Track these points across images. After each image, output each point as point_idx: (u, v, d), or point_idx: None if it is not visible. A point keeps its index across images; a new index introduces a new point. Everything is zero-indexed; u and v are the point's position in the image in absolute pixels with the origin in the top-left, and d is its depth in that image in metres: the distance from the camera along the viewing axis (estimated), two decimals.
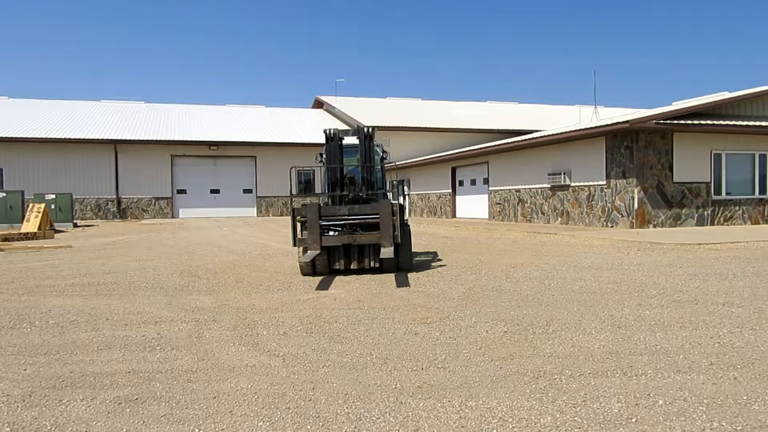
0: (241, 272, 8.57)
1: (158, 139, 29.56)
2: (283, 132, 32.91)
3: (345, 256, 8.08)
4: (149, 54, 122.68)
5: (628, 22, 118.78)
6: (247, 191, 31.34)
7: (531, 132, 26.69)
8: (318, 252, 7.61)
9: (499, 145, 21.80)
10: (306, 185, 29.54)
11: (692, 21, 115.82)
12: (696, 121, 15.14)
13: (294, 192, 19.85)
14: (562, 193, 17.94)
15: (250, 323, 5.11)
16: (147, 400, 3.24)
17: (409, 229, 8.70)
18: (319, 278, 7.79)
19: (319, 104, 41.19)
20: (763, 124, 15.78)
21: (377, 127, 23.72)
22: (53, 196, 22.20)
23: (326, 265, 8.03)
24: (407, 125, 32.47)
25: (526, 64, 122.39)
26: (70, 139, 27.96)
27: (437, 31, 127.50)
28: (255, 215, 31.04)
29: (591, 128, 16.81)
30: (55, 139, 27.72)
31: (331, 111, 38.12)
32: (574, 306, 5.54)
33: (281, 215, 30.44)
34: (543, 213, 18.95)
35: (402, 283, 7.21)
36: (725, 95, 18.29)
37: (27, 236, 15.92)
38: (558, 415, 2.89)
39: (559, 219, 18.08)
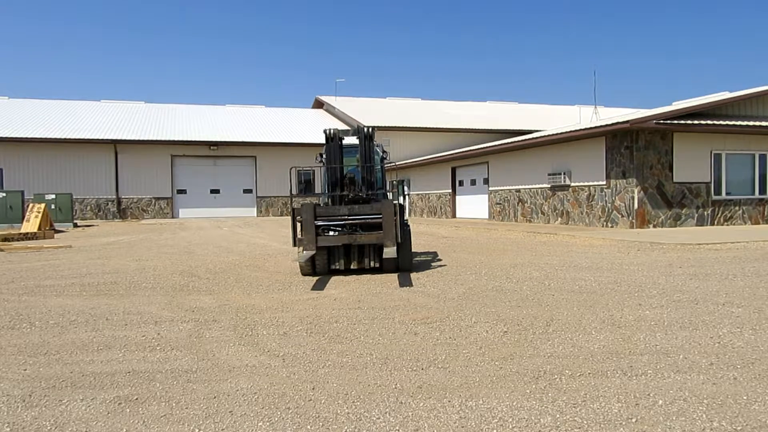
0: (241, 272, 8.57)
1: (158, 139, 29.56)
2: (283, 132, 32.91)
3: (345, 256, 8.07)
4: (149, 54, 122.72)
5: (628, 22, 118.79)
6: (247, 191, 31.35)
7: (531, 132, 26.70)
8: (313, 252, 7.61)
9: (499, 145, 21.80)
10: (306, 185, 29.53)
11: (692, 21, 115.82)
12: (696, 121, 15.14)
13: (294, 192, 19.85)
14: (562, 193, 17.94)
15: (250, 323, 5.11)
16: (147, 400, 3.24)
17: (409, 229, 8.69)
18: (319, 278, 7.79)
19: (319, 104, 41.20)
20: (763, 124, 15.78)
21: (377, 127, 23.74)
22: (53, 196, 22.20)
23: (326, 265, 8.03)
24: (407, 125, 32.48)
25: (526, 64, 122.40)
26: (70, 139, 27.96)
27: (437, 31, 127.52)
28: (255, 215, 31.04)
29: (591, 128, 16.81)
30: (55, 139, 27.73)
31: (331, 111, 38.13)
32: (574, 306, 5.54)
33: (281, 215, 30.44)
34: (543, 213, 18.95)
35: (405, 283, 7.20)
36: (725, 95, 18.28)
37: (27, 236, 15.92)
38: (558, 415, 2.89)
39: (559, 219, 18.08)
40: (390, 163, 10.39)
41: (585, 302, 5.72)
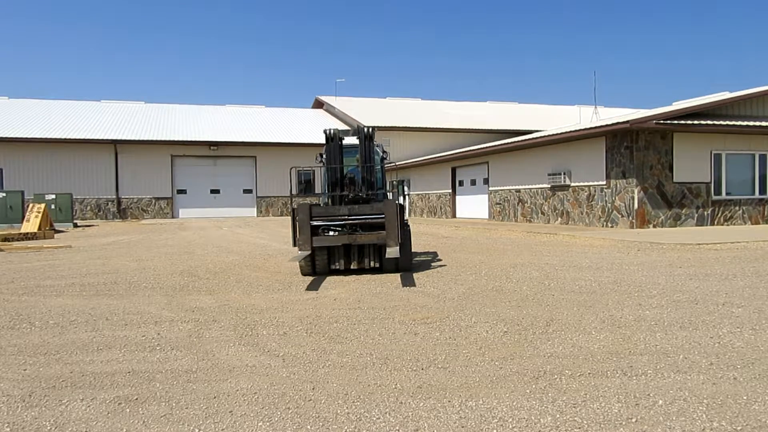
0: (241, 272, 8.57)
1: (158, 139, 29.56)
2: (283, 132, 32.91)
3: (345, 256, 8.07)
4: (149, 54, 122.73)
5: (628, 22, 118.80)
6: (247, 191, 31.35)
7: (531, 132, 26.70)
8: (308, 252, 7.61)
9: (499, 145, 21.80)
10: (306, 185, 29.54)
11: (692, 21, 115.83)
12: (696, 121, 15.14)
13: (294, 192, 19.86)
14: (562, 193, 17.94)
15: (250, 323, 5.11)
16: (147, 400, 3.24)
17: (409, 229, 8.69)
18: (319, 278, 7.79)
19: (319, 104, 41.20)
20: (763, 124, 15.78)
21: (377, 127, 23.72)
22: (53, 196, 22.20)
23: (326, 265, 8.04)
24: (407, 125, 32.49)
25: (526, 64, 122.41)
26: (70, 139, 27.96)
27: (437, 31, 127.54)
28: (255, 215, 31.04)
29: (591, 128, 16.81)
30: (55, 139, 27.73)
31: (331, 111, 38.13)
32: (574, 306, 5.54)
33: (281, 215, 30.44)
34: (543, 213, 18.95)
35: (405, 283, 7.21)
36: (725, 95, 18.28)
37: (27, 236, 15.92)
38: (558, 415, 2.89)
39: (559, 219, 18.08)
40: (390, 163, 10.39)
41: (585, 302, 5.72)
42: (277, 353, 4.15)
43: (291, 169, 9.64)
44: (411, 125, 32.57)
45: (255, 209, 31.23)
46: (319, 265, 8.01)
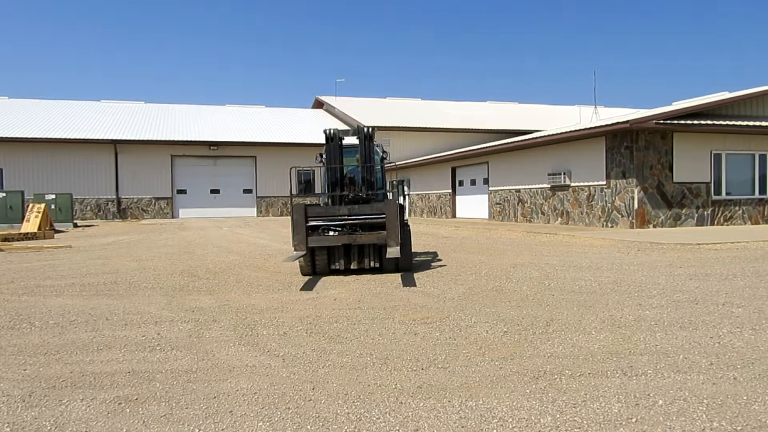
0: (241, 272, 8.57)
1: (158, 139, 29.56)
2: (283, 132, 32.91)
3: (345, 256, 8.07)
4: (149, 54, 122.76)
5: (628, 22, 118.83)
6: (247, 191, 31.35)
7: (531, 132, 26.70)
8: (303, 253, 7.61)
9: (499, 145, 21.81)
10: (306, 185, 29.52)
11: (692, 21, 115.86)
12: (696, 121, 15.14)
13: (294, 192, 19.85)
14: (562, 193, 17.94)
15: (250, 323, 5.11)
16: (147, 400, 3.24)
17: (409, 230, 8.69)
18: (319, 278, 7.79)
19: (319, 104, 41.20)
20: (763, 124, 15.78)
21: (377, 127, 23.72)
22: (53, 196, 22.20)
23: (326, 265, 8.04)
24: (407, 125, 32.49)
25: (526, 64, 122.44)
26: (70, 139, 27.96)
27: (437, 31, 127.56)
28: (255, 215, 31.04)
29: (591, 128, 16.81)
30: (55, 139, 27.73)
31: (331, 111, 38.13)
32: (574, 306, 5.54)
33: (281, 215, 30.44)
34: (543, 213, 18.95)
35: (405, 283, 7.21)
36: (725, 95, 18.29)
37: (27, 236, 15.92)
38: (558, 415, 2.89)
39: (559, 219, 18.08)
40: (390, 163, 10.38)
41: (585, 302, 5.72)
42: (277, 353, 4.15)
43: (291, 169, 9.64)
44: (411, 125, 32.57)
45: (255, 209, 31.23)
46: (319, 265, 8.01)
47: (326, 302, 6.07)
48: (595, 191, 16.49)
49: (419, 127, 32.51)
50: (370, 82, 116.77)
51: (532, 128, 30.47)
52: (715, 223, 15.88)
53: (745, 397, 3.08)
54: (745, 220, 16.26)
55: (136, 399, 3.26)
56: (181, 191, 30.36)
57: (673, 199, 15.42)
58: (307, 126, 33.77)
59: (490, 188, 22.34)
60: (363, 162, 8.47)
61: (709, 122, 15.23)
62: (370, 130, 8.55)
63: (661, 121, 14.80)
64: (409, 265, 8.30)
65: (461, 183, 25.49)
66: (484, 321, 5.01)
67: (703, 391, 3.18)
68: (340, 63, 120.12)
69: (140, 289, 7.15)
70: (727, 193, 16.11)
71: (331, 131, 8.54)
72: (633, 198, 15.07)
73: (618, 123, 15.09)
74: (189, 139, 30.07)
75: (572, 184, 17.43)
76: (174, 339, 4.61)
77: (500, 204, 21.53)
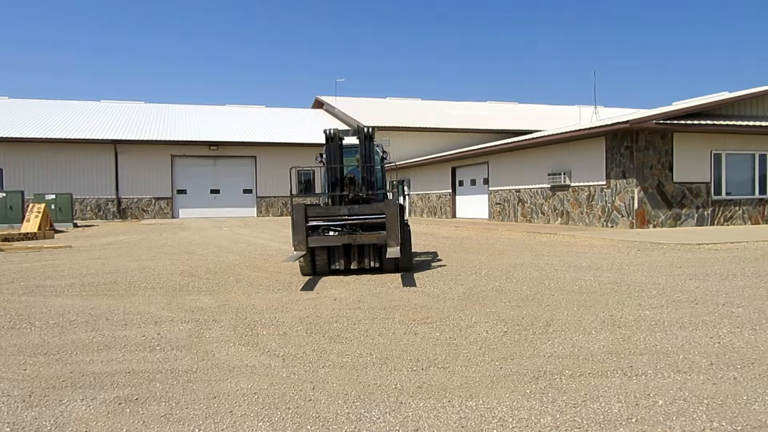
0: (241, 272, 8.57)
1: (158, 139, 29.56)
2: (283, 132, 32.91)
3: (345, 256, 8.07)
4: (149, 54, 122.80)
5: (627, 22, 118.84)
6: (247, 191, 31.35)
7: (531, 132, 26.70)
8: (304, 253, 7.61)
9: (499, 145, 21.80)
10: (306, 185, 29.51)
11: (692, 21, 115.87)
12: (696, 121, 15.14)
13: (294, 192, 19.85)
14: (562, 193, 17.94)
15: (250, 323, 5.11)
16: (147, 400, 3.24)
17: (409, 230, 8.69)
18: (319, 278, 7.79)
19: (319, 104, 41.20)
20: (763, 124, 15.78)
21: (377, 127, 23.72)
22: (53, 196, 22.20)
23: (326, 265, 8.04)
24: (407, 125, 32.48)
25: (526, 64, 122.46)
26: (70, 139, 27.96)
27: (437, 31, 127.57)
28: (255, 215, 31.04)
29: (591, 128, 16.81)
30: (55, 139, 27.73)
31: (331, 111, 38.13)
32: (574, 306, 5.54)
33: (281, 215, 30.44)
34: (543, 213, 18.95)
35: (405, 283, 7.21)
36: (725, 95, 18.29)
37: (27, 236, 15.92)
38: (558, 415, 2.89)
39: (559, 219, 18.08)
40: (390, 163, 10.38)
41: (585, 302, 5.72)
42: (277, 353, 4.15)
43: (291, 169, 9.64)
44: (411, 125, 32.56)
45: (255, 209, 31.23)
46: (319, 265, 8.01)
47: (326, 302, 6.07)
48: (595, 191, 16.49)
49: (419, 127, 32.51)
50: (370, 82, 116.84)
51: (532, 128, 30.46)
52: (715, 223, 15.88)
53: (745, 397, 3.08)
54: (745, 220, 16.26)
55: (136, 399, 3.26)
56: (181, 191, 30.36)
57: (673, 199, 15.42)
58: (307, 126, 33.77)
59: (490, 188, 22.34)
60: (363, 162, 8.46)
61: (709, 122, 15.23)
62: (370, 130, 8.55)
63: (661, 121, 14.80)
64: (409, 265, 8.30)
65: (461, 183, 25.49)
66: (484, 321, 5.01)
67: (703, 391, 3.18)
68: (340, 63, 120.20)
69: (140, 289, 7.15)
70: (727, 193, 16.11)
71: (331, 131, 8.54)
72: (633, 198, 15.07)
73: (618, 123, 15.09)
74: (189, 139, 30.07)
75: (572, 184, 17.42)
76: (174, 339, 4.61)
77: (500, 204, 21.53)
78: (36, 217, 17.51)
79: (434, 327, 4.83)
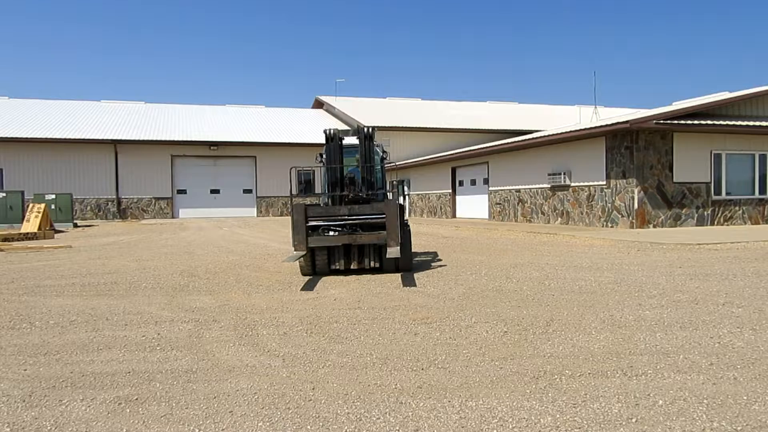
0: (241, 272, 8.57)
1: (158, 139, 29.56)
2: (283, 132, 32.91)
3: (345, 256, 8.07)
4: (149, 54, 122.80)
5: (627, 23, 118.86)
6: (247, 191, 31.34)
7: (531, 132, 26.70)
8: (304, 253, 7.61)
9: (499, 145, 21.80)
10: (306, 185, 29.52)
11: (692, 21, 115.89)
12: (696, 121, 15.14)
13: (294, 192, 19.85)
14: (562, 193, 17.94)
15: (250, 323, 5.11)
16: (147, 400, 3.24)
17: (409, 230, 8.69)
18: (319, 278, 7.79)
19: (319, 104, 41.20)
20: (763, 124, 15.77)
21: (377, 127, 23.74)
22: (53, 196, 22.20)
23: (326, 265, 8.04)
24: (407, 125, 32.47)
25: (526, 64, 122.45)
26: (70, 139, 27.96)
27: (437, 31, 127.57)
28: (255, 215, 31.04)
29: (591, 128, 16.81)
30: (55, 139, 27.73)
31: (331, 111, 38.13)
32: (574, 306, 5.54)
33: (281, 215, 30.44)
34: (543, 213, 18.95)
35: (405, 283, 7.21)
36: (725, 95, 18.29)
37: (27, 236, 15.91)
38: (558, 415, 2.89)
39: (559, 219, 18.08)
40: (390, 163, 10.38)
41: (585, 302, 5.72)
42: (277, 353, 4.15)
43: (291, 169, 9.64)
44: (411, 125, 32.55)
45: (255, 209, 31.22)
46: (319, 265, 8.01)
47: (326, 302, 6.07)
48: (595, 191, 16.48)
49: (419, 127, 32.50)
50: (370, 82, 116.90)
51: (532, 128, 30.46)
52: (715, 223, 15.88)
53: (745, 397, 3.08)
54: (745, 220, 16.26)
55: (136, 399, 3.26)
56: (181, 191, 30.36)
57: (673, 199, 15.41)
58: (307, 126, 33.77)
59: (490, 188, 22.34)
60: (363, 162, 8.46)
61: (709, 122, 15.23)
62: (370, 130, 8.55)
63: (661, 121, 14.80)
64: (409, 265, 8.30)
65: (461, 183, 25.49)
66: (484, 321, 5.01)
67: (703, 391, 3.18)
68: (340, 63, 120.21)
69: (140, 289, 7.15)
70: (727, 193, 16.11)
71: (331, 131, 8.54)
72: (633, 198, 15.07)
73: (618, 123, 15.08)
74: (189, 139, 30.06)
75: (572, 184, 17.42)
76: (174, 339, 4.61)
77: (500, 204, 21.53)
78: (36, 217, 17.51)
79: (434, 327, 4.83)
